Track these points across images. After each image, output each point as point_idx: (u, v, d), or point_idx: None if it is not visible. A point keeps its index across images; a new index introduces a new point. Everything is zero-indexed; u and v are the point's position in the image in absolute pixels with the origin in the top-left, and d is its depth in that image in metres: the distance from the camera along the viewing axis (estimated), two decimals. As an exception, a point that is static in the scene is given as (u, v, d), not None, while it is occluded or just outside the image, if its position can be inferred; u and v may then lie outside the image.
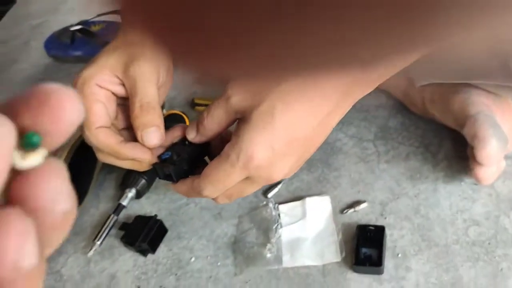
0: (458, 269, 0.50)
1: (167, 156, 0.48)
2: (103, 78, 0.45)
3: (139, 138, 0.45)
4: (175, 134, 0.49)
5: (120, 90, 0.47)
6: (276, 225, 0.57)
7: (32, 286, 0.16)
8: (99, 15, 0.95)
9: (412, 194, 0.57)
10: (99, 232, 0.59)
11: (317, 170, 0.63)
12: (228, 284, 0.54)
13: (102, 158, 0.50)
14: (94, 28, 0.95)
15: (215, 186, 0.45)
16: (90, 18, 0.95)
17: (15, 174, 0.16)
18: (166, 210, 0.63)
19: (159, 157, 0.48)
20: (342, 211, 0.57)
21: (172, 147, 0.48)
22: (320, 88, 0.42)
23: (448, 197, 0.56)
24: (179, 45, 0.13)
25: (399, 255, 0.52)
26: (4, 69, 0.96)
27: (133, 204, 0.64)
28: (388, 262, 0.52)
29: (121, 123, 0.51)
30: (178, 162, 0.47)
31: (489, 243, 0.51)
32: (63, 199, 0.17)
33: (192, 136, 0.48)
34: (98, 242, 0.58)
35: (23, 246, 0.15)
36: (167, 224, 0.60)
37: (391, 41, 0.11)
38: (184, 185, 0.48)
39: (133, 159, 0.47)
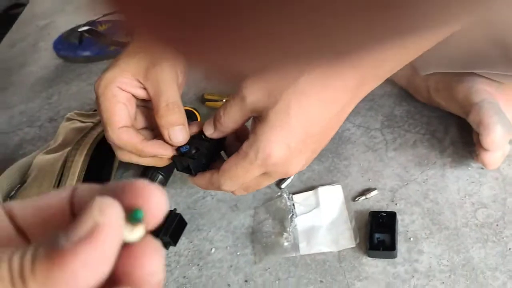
0: (468, 250, 0.52)
1: (186, 149, 0.50)
2: (124, 81, 0.47)
3: (166, 136, 0.48)
4: (193, 130, 0.51)
5: (140, 93, 0.49)
6: (291, 214, 0.59)
7: None
8: (105, 15, 0.96)
9: (421, 180, 0.60)
10: (121, 228, 0.62)
11: (328, 160, 0.65)
12: (249, 272, 0.56)
13: (122, 156, 0.52)
14: (101, 28, 0.97)
15: (233, 181, 0.48)
16: (96, 18, 0.96)
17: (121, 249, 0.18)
18: (184, 204, 0.65)
19: (177, 150, 0.50)
20: (354, 199, 0.60)
21: (190, 141, 0.50)
22: (332, 86, 0.44)
23: (456, 181, 0.58)
24: (186, 44, 0.13)
25: (411, 239, 0.55)
26: (14, 72, 0.98)
27: (152, 200, 0.66)
28: (401, 246, 0.54)
29: (139, 124, 0.53)
30: (197, 156, 0.50)
31: (497, 225, 0.53)
32: (160, 272, 0.19)
33: (210, 132, 0.50)
34: (122, 237, 0.61)
35: None
36: (186, 217, 0.63)
37: (373, 30, 0.12)
38: (203, 179, 0.50)
39: (154, 156, 0.50)
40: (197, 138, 0.51)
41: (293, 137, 0.44)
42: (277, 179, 0.50)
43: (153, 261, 0.18)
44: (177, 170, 0.52)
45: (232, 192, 0.51)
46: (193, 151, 0.50)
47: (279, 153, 0.45)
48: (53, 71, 0.96)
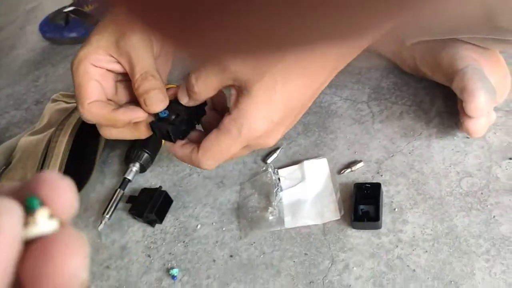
0: (452, 219, 0.52)
1: (165, 115, 0.48)
2: (97, 57, 0.46)
3: (142, 104, 0.46)
4: (171, 94, 0.50)
5: (116, 67, 0.48)
6: (276, 189, 0.59)
7: None
8: (90, -5, 0.95)
9: (407, 151, 0.59)
10: (107, 207, 0.62)
11: (314, 134, 0.65)
12: (234, 247, 0.56)
13: (103, 132, 0.51)
14: (87, 8, 0.95)
15: (215, 159, 0.46)
16: (82, -2, 0.95)
17: (28, 250, 0.16)
18: (170, 182, 0.65)
19: (156, 115, 0.48)
20: (339, 172, 0.59)
21: (169, 107, 0.48)
22: (314, 63, 0.43)
23: (441, 151, 0.58)
24: (167, 29, 0.13)
25: (396, 210, 0.54)
26: (3, 55, 0.97)
27: (138, 178, 0.66)
28: (386, 217, 0.54)
29: (122, 98, 0.52)
30: (177, 122, 0.48)
31: (481, 193, 0.53)
32: (82, 272, 0.16)
33: (185, 100, 0.48)
34: (107, 216, 0.61)
35: None
36: (171, 194, 0.63)
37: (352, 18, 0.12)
38: (182, 152, 0.49)
39: (129, 122, 0.48)
40: (177, 104, 0.48)
41: (276, 112, 0.44)
42: (253, 150, 0.49)
43: (73, 258, 0.16)
44: (156, 136, 0.50)
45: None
46: (173, 117, 0.48)
47: (262, 128, 0.44)
48: (40, 54, 0.95)
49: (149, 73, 0.46)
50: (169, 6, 0.12)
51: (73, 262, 0.16)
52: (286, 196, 0.59)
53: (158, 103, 0.47)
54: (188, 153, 0.48)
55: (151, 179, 0.66)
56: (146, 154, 0.66)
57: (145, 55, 0.46)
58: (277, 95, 0.43)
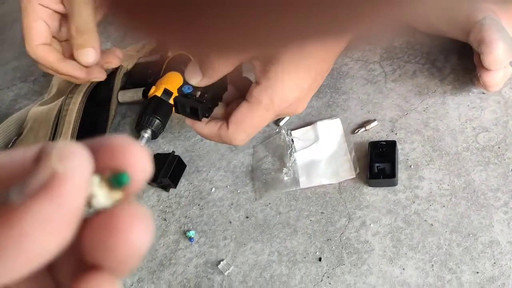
0: (469, 173, 0.51)
1: (189, 91, 0.46)
2: None
3: (75, 56, 0.50)
4: (109, 58, 0.55)
5: (61, 8, 0.51)
6: (290, 150, 0.59)
7: None
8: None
9: (421, 109, 0.59)
10: (121, 173, 0.61)
11: (326, 95, 0.64)
12: (250, 208, 0.56)
13: (42, 69, 0.55)
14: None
15: (247, 132, 0.45)
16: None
17: (91, 220, 0.15)
18: (183, 147, 0.65)
19: (179, 90, 0.46)
20: (353, 132, 0.59)
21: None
22: None
23: (456, 108, 0.57)
24: (168, 28, 0.13)
25: (412, 167, 0.54)
26: (7, 28, 0.96)
27: (150, 144, 0.66)
28: (401, 174, 0.53)
29: (64, 35, 0.55)
30: (206, 100, 0.45)
31: (498, 147, 0.53)
32: (146, 246, 0.15)
33: (197, 80, 0.44)
34: (121, 182, 0.61)
35: None
36: (185, 160, 0.63)
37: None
38: (209, 129, 0.46)
39: (69, 76, 0.53)
40: None
41: (306, 78, 0.43)
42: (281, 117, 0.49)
43: (138, 232, 0.15)
44: (177, 112, 0.48)
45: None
46: (198, 93, 0.45)
47: (294, 95, 0.43)
48: None
49: (85, 27, 0.49)
50: (170, 5, 0.12)
51: (138, 235, 0.15)
52: (300, 157, 0.58)
53: (89, 60, 0.50)
54: (216, 131, 0.46)
55: (163, 145, 0.66)
56: (157, 121, 0.66)
57: (83, 9, 0.49)
58: (305, 60, 0.43)
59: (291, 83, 0.43)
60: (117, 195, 0.16)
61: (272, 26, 0.12)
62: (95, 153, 0.15)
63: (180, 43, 0.14)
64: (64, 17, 0.54)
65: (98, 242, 0.15)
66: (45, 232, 0.13)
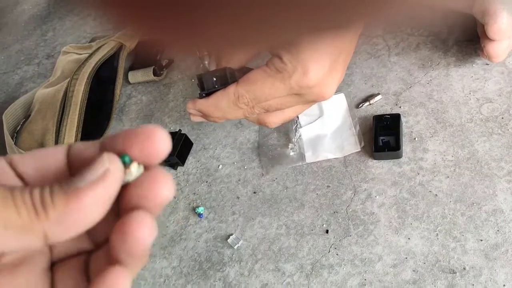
0: (473, 144, 0.52)
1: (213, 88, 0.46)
2: None
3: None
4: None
5: None
6: (295, 125, 0.59)
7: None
8: None
9: (425, 82, 0.59)
10: (129, 152, 0.62)
11: (330, 70, 0.64)
12: (257, 184, 0.57)
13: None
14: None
15: (256, 94, 0.44)
16: None
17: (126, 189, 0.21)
18: (189, 126, 0.65)
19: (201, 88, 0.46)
20: (357, 106, 0.59)
21: (217, 77, 0.46)
22: None
23: (460, 79, 0.57)
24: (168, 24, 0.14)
25: (416, 139, 0.55)
26: (8, 11, 0.96)
27: (156, 124, 0.66)
28: (406, 146, 0.54)
29: None
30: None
31: (502, 118, 0.53)
32: (171, 197, 0.21)
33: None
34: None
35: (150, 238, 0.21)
36: (191, 138, 0.63)
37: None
38: (215, 96, 0.45)
39: None
40: (222, 72, 0.46)
41: (327, 56, 0.43)
42: (312, 102, 0.47)
43: (164, 186, 0.21)
44: (202, 89, 0.47)
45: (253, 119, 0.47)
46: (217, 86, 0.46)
47: (315, 74, 0.42)
48: (45, 8, 0.94)
49: None
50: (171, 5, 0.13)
51: (165, 189, 0.21)
52: (305, 132, 0.59)
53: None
54: (224, 91, 0.45)
55: (170, 124, 0.67)
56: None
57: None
58: (333, 41, 0.42)
59: (312, 60, 0.42)
60: (135, 171, 0.21)
61: (270, 19, 0.13)
62: (116, 143, 0.21)
63: (175, 39, 0.15)
64: None
65: (134, 199, 0.21)
66: (99, 206, 0.20)
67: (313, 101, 0.46)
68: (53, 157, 0.22)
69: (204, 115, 0.48)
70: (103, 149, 0.22)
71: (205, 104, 0.46)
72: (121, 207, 0.21)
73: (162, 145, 0.21)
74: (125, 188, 0.21)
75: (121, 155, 0.21)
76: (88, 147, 0.22)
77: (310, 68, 0.42)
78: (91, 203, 0.19)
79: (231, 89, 0.45)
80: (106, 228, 0.21)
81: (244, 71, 0.46)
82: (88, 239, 0.24)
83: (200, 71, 0.48)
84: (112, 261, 0.21)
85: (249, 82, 0.44)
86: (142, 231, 0.20)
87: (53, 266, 0.23)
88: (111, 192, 0.20)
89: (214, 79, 0.46)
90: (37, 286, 0.22)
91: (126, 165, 0.21)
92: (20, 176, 0.22)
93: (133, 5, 0.13)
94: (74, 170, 0.22)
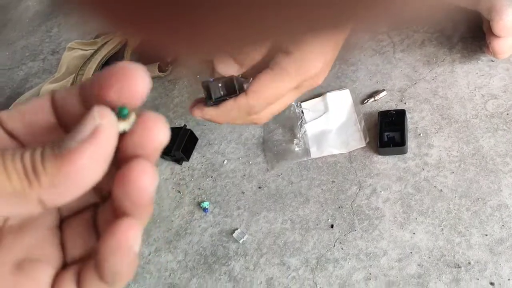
0: (478, 140, 0.52)
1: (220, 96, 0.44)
2: None
3: None
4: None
5: None
6: (300, 121, 0.60)
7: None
8: None
9: (430, 78, 0.59)
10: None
11: (334, 67, 0.64)
12: (262, 179, 0.58)
13: None
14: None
15: (268, 100, 0.43)
16: None
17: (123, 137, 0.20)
18: (194, 121, 0.66)
19: (203, 81, 0.44)
20: (362, 102, 0.60)
21: (223, 83, 0.44)
22: None
23: (465, 76, 0.58)
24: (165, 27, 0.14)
25: (421, 135, 0.55)
26: (12, 8, 0.96)
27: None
28: (411, 142, 0.54)
29: None
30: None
31: (507, 114, 0.53)
32: (167, 140, 0.21)
33: (234, 70, 0.44)
34: (135, 156, 0.62)
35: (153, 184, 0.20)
36: (196, 133, 0.64)
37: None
38: (224, 106, 0.44)
39: None
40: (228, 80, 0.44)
41: (329, 49, 0.44)
42: (304, 90, 0.46)
43: (160, 130, 0.20)
44: (209, 98, 0.44)
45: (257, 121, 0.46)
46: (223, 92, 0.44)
47: (318, 67, 0.43)
48: (50, 4, 0.94)
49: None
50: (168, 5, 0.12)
51: (160, 133, 0.20)
52: (311, 127, 0.59)
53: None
54: (233, 103, 0.43)
55: (175, 119, 0.67)
56: (168, 95, 0.66)
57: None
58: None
59: (318, 54, 0.43)
60: (131, 120, 0.21)
61: (270, 19, 0.13)
62: (100, 86, 0.20)
63: (175, 40, 0.15)
64: None
65: (132, 146, 0.20)
66: (96, 164, 0.19)
67: (306, 90, 0.46)
68: (39, 110, 0.21)
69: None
70: (82, 93, 0.21)
71: (214, 113, 0.45)
72: (118, 157, 0.20)
73: (141, 82, 0.20)
74: (120, 137, 0.20)
75: (120, 108, 0.20)
76: (69, 93, 0.21)
77: (314, 59, 0.43)
78: (86, 164, 0.18)
79: (242, 101, 0.43)
80: (109, 180, 0.20)
81: (252, 73, 0.46)
82: (93, 192, 0.23)
83: (207, 78, 0.46)
84: (119, 213, 0.20)
85: (258, 92, 0.43)
86: (144, 179, 0.19)
87: (62, 223, 0.23)
88: (107, 148, 0.19)
89: (220, 85, 0.44)
90: (45, 245, 0.22)
91: (124, 117, 0.20)
92: (10, 133, 0.21)
93: (133, 5, 0.13)
94: (62, 120, 0.21)
